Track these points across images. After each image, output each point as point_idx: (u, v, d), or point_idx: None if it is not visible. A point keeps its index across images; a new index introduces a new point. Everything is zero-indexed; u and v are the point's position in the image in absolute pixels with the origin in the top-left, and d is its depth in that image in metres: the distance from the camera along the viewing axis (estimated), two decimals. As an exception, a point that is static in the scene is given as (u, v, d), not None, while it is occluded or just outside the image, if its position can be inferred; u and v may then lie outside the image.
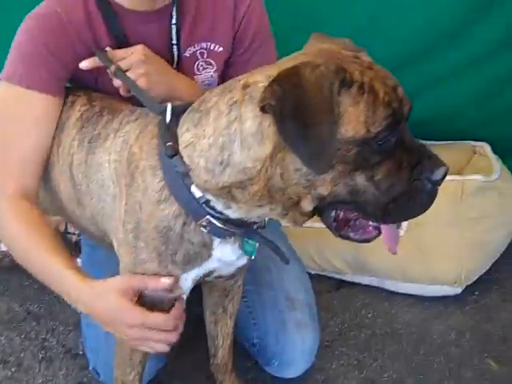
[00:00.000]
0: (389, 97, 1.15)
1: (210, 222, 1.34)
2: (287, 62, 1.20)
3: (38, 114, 1.62)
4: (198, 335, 1.97)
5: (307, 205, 1.25)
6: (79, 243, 2.48)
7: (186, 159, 1.31)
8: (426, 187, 1.19)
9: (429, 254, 2.47)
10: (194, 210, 1.34)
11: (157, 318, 1.43)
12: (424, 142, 2.98)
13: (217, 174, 1.27)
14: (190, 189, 1.31)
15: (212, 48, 1.77)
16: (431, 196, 1.22)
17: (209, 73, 1.81)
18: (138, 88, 1.58)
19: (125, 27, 1.66)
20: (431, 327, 2.34)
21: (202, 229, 1.35)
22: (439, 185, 1.22)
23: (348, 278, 2.59)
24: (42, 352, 2.15)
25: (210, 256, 1.42)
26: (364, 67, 1.18)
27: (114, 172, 1.49)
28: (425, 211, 1.24)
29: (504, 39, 2.69)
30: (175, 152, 1.31)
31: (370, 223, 1.29)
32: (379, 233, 1.31)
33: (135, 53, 1.63)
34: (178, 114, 1.37)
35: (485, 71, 2.78)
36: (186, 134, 1.32)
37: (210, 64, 1.80)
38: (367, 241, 1.33)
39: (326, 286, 2.55)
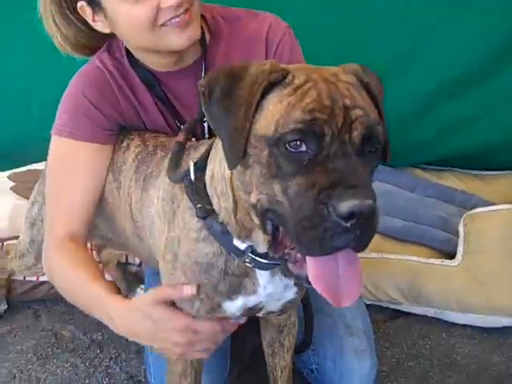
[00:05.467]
0: (315, 106, 1.09)
1: (252, 258, 1.36)
2: None
3: (87, 162, 1.74)
4: (256, 361, 2.00)
5: (254, 217, 1.22)
6: (139, 273, 2.56)
7: (212, 199, 1.35)
8: (331, 217, 1.03)
9: (486, 284, 2.46)
10: (235, 251, 1.38)
11: (203, 321, 1.48)
12: (481, 172, 3.09)
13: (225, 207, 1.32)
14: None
15: None
16: (342, 233, 1.04)
17: None
18: None
19: (160, 85, 1.76)
20: (491, 359, 2.31)
21: (247, 264, 1.38)
22: (364, 226, 1.04)
23: (404, 308, 2.58)
24: (106, 379, 2.20)
25: (255, 288, 1.45)
26: (323, 80, 1.14)
27: (161, 208, 1.55)
28: (334, 250, 1.07)
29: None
30: (206, 213, 1.35)
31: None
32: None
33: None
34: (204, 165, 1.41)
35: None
36: (208, 169, 1.38)
37: None
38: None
39: (383, 316, 2.55)
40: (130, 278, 2.62)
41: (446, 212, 3.01)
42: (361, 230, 1.04)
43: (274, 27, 1.77)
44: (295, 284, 1.51)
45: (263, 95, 1.15)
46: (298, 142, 1.08)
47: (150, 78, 1.75)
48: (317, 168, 1.07)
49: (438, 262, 2.61)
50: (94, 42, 1.76)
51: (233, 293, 1.45)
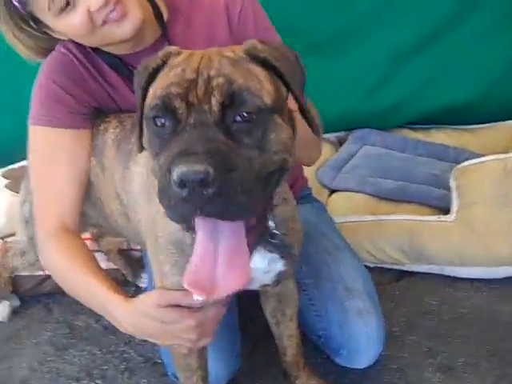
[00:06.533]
0: (174, 80, 1.12)
1: None
2: None
3: (66, 149, 1.76)
4: (268, 334, 2.02)
5: None
6: (142, 259, 2.57)
7: None
8: (170, 183, 1.03)
9: (483, 236, 2.49)
10: None
11: (209, 310, 1.50)
12: (469, 126, 3.13)
13: None
14: None
15: None
16: (184, 200, 1.03)
17: None
18: None
19: (126, 65, 1.78)
20: (499, 309, 2.34)
21: None
22: (201, 193, 1.01)
23: (407, 267, 2.62)
24: (123, 363, 2.23)
25: None
26: (201, 56, 1.17)
27: (140, 184, 1.59)
28: (183, 217, 1.10)
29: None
30: None
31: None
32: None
33: None
34: None
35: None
36: None
37: None
38: None
39: (387, 278, 2.58)
40: (134, 265, 2.64)
41: (438, 169, 3.05)
42: (199, 197, 1.02)
43: None
44: (282, 257, 1.53)
45: (151, 81, 1.22)
46: (162, 119, 1.12)
47: (115, 61, 1.77)
48: (174, 140, 1.09)
49: (434, 218, 2.64)
50: (56, 43, 1.78)
51: None
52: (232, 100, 1.10)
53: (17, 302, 2.55)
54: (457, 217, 2.60)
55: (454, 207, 2.65)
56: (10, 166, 3.04)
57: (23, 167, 2.92)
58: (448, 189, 2.80)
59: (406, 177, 3.00)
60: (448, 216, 2.63)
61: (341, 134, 3.47)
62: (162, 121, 1.12)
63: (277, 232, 1.45)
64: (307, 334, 2.12)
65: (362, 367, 2.02)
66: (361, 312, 1.96)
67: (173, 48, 1.25)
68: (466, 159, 2.95)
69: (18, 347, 2.36)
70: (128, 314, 1.53)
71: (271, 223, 1.43)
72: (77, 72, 1.76)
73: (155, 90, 1.15)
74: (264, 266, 1.51)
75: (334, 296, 2.00)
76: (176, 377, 1.96)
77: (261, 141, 1.12)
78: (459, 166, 2.84)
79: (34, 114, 1.76)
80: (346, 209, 2.84)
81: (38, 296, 2.60)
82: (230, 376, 1.99)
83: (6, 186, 2.90)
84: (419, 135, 3.37)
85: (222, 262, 1.16)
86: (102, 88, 1.80)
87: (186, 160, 1.01)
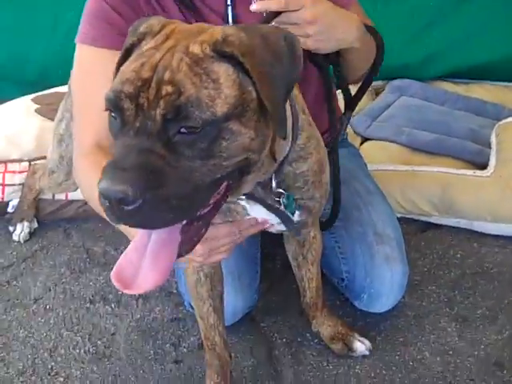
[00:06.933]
0: (130, 76, 1.07)
1: None
2: None
3: (108, 70, 1.67)
4: (287, 273, 2.00)
5: None
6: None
7: None
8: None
9: (520, 193, 2.40)
10: None
11: (221, 226, 1.42)
12: (508, 83, 3.05)
13: None
14: None
15: None
16: (109, 209, 1.02)
17: None
18: None
19: None
20: (524, 267, 2.28)
21: None
22: (121, 209, 1.00)
23: (434, 219, 2.55)
24: (139, 291, 2.23)
25: (248, 214, 1.43)
26: (168, 48, 1.09)
27: None
28: (113, 222, 1.07)
29: None
30: None
31: None
32: None
33: (305, 11, 1.57)
34: None
35: None
36: None
37: None
38: None
39: (413, 229, 2.52)
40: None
41: (476, 124, 2.96)
42: (119, 211, 1.01)
43: None
44: (298, 208, 1.48)
45: (126, 58, 1.18)
46: (113, 113, 1.08)
47: None
48: (119, 141, 1.05)
49: (469, 172, 2.56)
50: None
51: (227, 216, 1.44)
52: (177, 113, 1.03)
53: (35, 225, 2.57)
54: (494, 172, 2.51)
55: (492, 163, 2.57)
56: (41, 92, 3.03)
57: (54, 93, 2.93)
58: (485, 144, 2.72)
59: (443, 130, 2.90)
60: (485, 171, 2.54)
61: (378, 83, 3.36)
62: (113, 115, 1.08)
63: (281, 191, 1.38)
64: (329, 276, 2.10)
65: (379, 311, 2.02)
66: (388, 258, 1.94)
67: (155, 22, 1.18)
68: (507, 116, 2.86)
69: (34, 267, 2.39)
70: None
71: (274, 183, 1.36)
72: None
73: (116, 79, 1.10)
74: (274, 217, 1.45)
75: (363, 240, 1.98)
76: (192, 307, 1.96)
77: (206, 150, 1.06)
78: (501, 122, 2.76)
79: (82, 32, 1.73)
80: (379, 158, 2.76)
81: (58, 221, 2.62)
82: (246, 310, 2.01)
83: (37, 111, 2.88)
84: (459, 89, 3.27)
85: (147, 261, 1.14)
86: (154, 10, 1.74)
87: (109, 176, 0.99)
